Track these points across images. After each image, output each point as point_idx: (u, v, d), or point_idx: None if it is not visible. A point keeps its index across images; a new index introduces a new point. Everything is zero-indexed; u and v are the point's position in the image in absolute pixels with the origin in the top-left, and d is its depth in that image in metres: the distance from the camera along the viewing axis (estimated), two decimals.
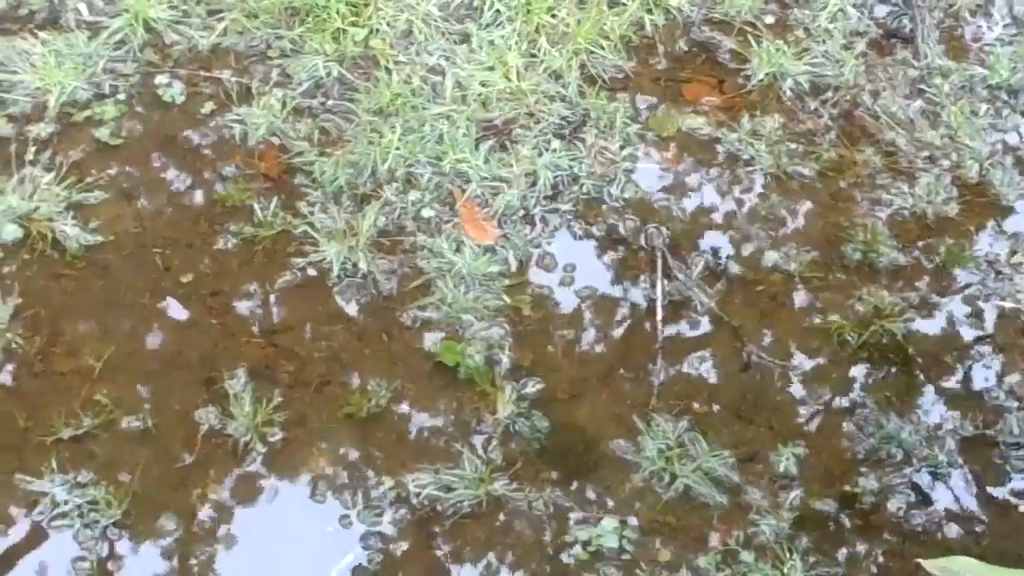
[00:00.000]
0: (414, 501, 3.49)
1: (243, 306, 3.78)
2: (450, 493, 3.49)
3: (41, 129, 4.00)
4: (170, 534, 3.43)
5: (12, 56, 4.09)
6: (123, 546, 3.40)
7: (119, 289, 3.78)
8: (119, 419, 3.56)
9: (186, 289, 3.80)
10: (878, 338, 3.81)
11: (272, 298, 3.81)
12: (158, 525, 3.43)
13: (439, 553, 3.44)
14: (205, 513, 3.47)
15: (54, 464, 3.46)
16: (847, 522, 3.54)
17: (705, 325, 3.82)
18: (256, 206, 3.92)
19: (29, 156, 3.94)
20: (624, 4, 4.34)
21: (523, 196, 3.98)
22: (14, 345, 3.65)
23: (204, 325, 3.75)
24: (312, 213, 3.91)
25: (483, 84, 4.14)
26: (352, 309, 3.79)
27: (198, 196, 3.96)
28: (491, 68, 4.17)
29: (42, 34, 4.14)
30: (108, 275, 3.80)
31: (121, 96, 4.10)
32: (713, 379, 3.74)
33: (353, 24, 4.22)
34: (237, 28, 4.23)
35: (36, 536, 3.40)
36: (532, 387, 3.66)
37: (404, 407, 3.64)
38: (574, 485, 3.55)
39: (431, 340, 3.74)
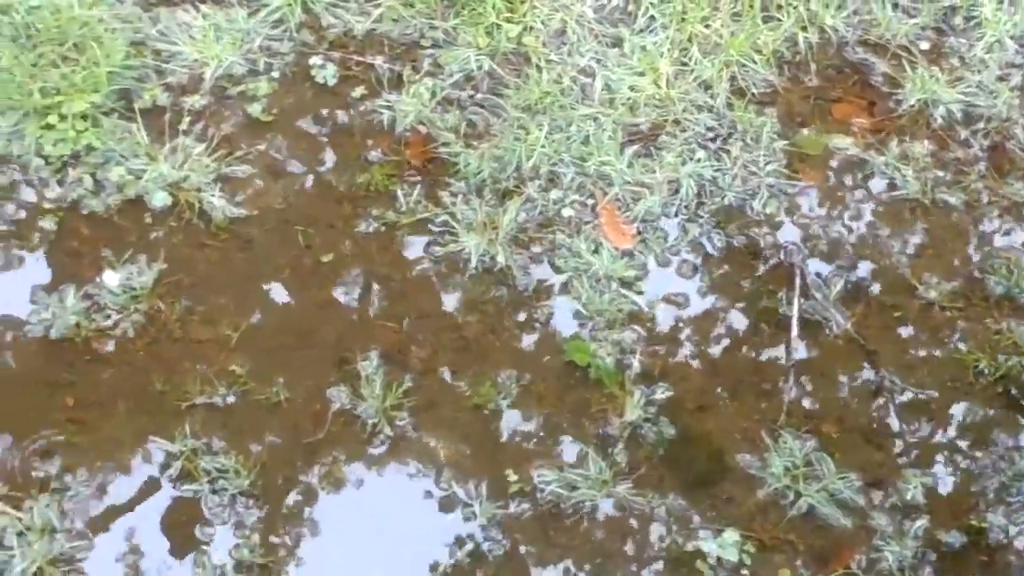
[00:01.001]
0: (537, 496, 3.49)
1: (379, 290, 3.81)
2: (573, 492, 3.49)
3: (196, 101, 4.06)
4: (294, 507, 3.46)
5: (173, 27, 4.15)
6: (249, 514, 3.43)
7: (260, 263, 3.84)
8: (252, 390, 3.60)
9: (325, 268, 3.83)
10: (1015, 373, 3.76)
11: (409, 284, 3.83)
12: (284, 497, 3.47)
13: (558, 550, 3.44)
14: (330, 490, 3.50)
15: (187, 429, 3.51)
16: (973, 556, 3.48)
17: (839, 346, 3.78)
18: (399, 192, 3.96)
19: (183, 126, 4.01)
20: (779, 19, 4.32)
21: (664, 203, 3.98)
22: (156, 310, 3.70)
23: (341, 305, 3.78)
24: (454, 204, 3.94)
25: (632, 89, 4.14)
26: (487, 302, 3.80)
27: (343, 178, 4.00)
28: (641, 73, 4.17)
29: (203, 7, 4.21)
30: (250, 248, 3.85)
31: (275, 74, 4.16)
32: (844, 401, 3.70)
33: (508, 20, 4.24)
34: (393, 15, 4.27)
35: (165, 498, 3.44)
36: (661, 394, 3.66)
37: (532, 402, 3.65)
38: (697, 495, 3.53)
39: (563, 339, 3.74)
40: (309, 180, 3.99)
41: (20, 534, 3.33)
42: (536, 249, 3.89)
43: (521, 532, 3.46)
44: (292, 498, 3.48)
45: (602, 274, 3.83)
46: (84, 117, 3.95)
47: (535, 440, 3.60)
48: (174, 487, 3.46)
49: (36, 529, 3.35)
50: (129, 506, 3.44)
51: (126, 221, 3.86)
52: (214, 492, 3.44)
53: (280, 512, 3.46)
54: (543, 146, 4.01)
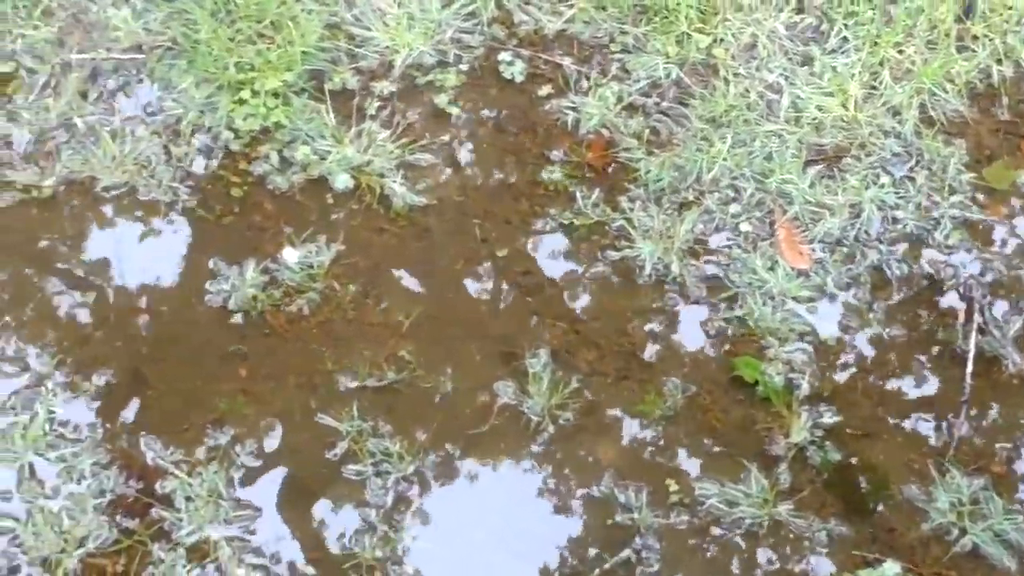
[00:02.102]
0: (697, 509, 3.47)
1: (551, 289, 3.82)
2: (733, 508, 3.47)
3: (384, 87, 4.11)
4: (454, 497, 3.48)
5: (368, 13, 4.20)
6: (409, 500, 3.46)
7: (436, 252, 3.87)
8: (420, 377, 3.63)
9: (500, 263, 3.85)
10: None
11: (581, 286, 3.84)
12: (445, 486, 3.49)
13: (715, 565, 3.42)
14: (490, 483, 3.51)
15: (355, 410, 3.54)
16: None
17: (1014, 386, 3.71)
18: (578, 194, 3.96)
19: (370, 111, 4.05)
20: (973, 51, 4.25)
21: (844, 226, 3.93)
22: (331, 290, 3.75)
23: (512, 301, 3.80)
24: (631, 210, 3.93)
25: (819, 108, 4.11)
26: (658, 310, 3.79)
27: (523, 175, 4.02)
28: (829, 94, 4.13)
29: None
30: (427, 237, 3.89)
31: (464, 66, 4.19)
32: (1016, 441, 3.63)
33: (699, 31, 4.23)
34: (584, 17, 4.28)
35: (328, 476, 3.48)
36: (828, 417, 3.62)
37: (697, 414, 3.64)
38: (859, 522, 3.48)
39: (732, 353, 3.72)
40: (489, 174, 4.01)
41: (188, 498, 3.39)
42: (710, 261, 3.86)
43: (678, 543, 3.43)
44: (453, 488, 3.49)
45: (776, 292, 3.80)
46: (275, 94, 4.01)
47: (697, 452, 3.59)
48: (339, 466, 3.48)
49: (203, 495, 3.40)
50: (294, 481, 3.48)
51: (308, 200, 3.91)
52: (378, 475, 3.47)
53: (440, 500, 3.47)
54: (725, 159, 3.99)
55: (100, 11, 4.12)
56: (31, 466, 3.41)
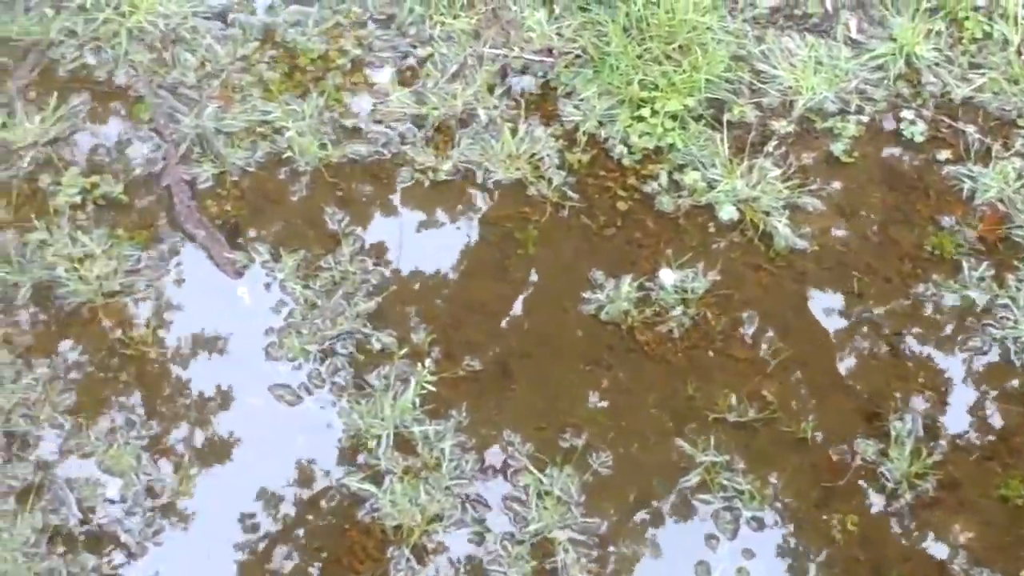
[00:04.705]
0: None
1: (924, 354, 3.73)
2: None
3: (782, 126, 4.08)
4: (800, 545, 3.42)
5: (775, 51, 4.18)
6: (751, 541, 3.41)
7: (810, 298, 3.81)
8: (780, 420, 3.58)
9: (874, 320, 3.77)
10: None
11: (955, 357, 3.74)
12: (793, 532, 3.43)
13: None
14: (839, 539, 3.44)
15: (711, 440, 3.52)
16: None
17: None
18: (965, 264, 3.85)
19: (767, 148, 4.02)
20: None
21: None
22: (702, 318, 3.73)
23: (882, 359, 3.71)
24: (1019, 290, 3.80)
25: None
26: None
27: (909, 236, 3.93)
28: None
29: (810, 37, 4.22)
30: (803, 281, 3.84)
31: (864, 118, 4.13)
32: None
33: None
34: (995, 88, 4.17)
35: (676, 502, 3.46)
36: None
37: None
38: None
39: None
40: (875, 230, 3.93)
41: (539, 495, 3.41)
42: None
43: None
44: (800, 535, 3.43)
45: None
46: (674, 117, 4.02)
47: None
48: (690, 494, 3.46)
49: (554, 495, 3.41)
50: (642, 498, 3.47)
51: (691, 225, 3.91)
52: (727, 510, 3.43)
53: (786, 546, 3.41)
54: None
55: (518, 10, 4.20)
56: (396, 436, 3.48)
